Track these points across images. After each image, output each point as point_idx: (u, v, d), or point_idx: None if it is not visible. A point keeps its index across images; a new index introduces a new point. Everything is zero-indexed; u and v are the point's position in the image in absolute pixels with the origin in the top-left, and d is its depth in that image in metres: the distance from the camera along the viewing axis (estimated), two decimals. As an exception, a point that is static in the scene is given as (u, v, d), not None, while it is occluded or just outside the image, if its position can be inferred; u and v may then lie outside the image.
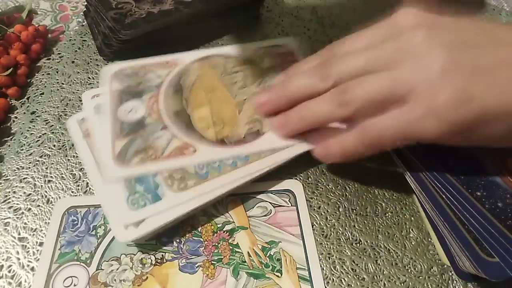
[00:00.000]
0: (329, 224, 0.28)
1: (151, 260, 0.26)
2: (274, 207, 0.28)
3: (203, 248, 0.27)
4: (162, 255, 0.26)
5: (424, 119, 0.22)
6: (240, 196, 0.29)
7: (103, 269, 0.26)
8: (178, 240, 0.27)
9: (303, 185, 0.30)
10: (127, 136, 0.29)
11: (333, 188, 0.30)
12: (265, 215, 0.28)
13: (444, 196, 0.25)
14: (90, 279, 0.25)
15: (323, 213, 0.29)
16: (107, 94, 0.32)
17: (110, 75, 0.33)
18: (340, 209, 0.29)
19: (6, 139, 0.33)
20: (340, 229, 0.28)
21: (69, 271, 0.26)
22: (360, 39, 0.27)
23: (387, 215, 0.29)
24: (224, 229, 0.27)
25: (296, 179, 0.30)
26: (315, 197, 0.29)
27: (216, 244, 0.27)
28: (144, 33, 0.36)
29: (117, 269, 0.26)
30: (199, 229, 0.27)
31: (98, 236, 0.27)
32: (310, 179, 0.30)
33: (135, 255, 0.26)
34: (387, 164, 0.31)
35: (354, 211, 0.29)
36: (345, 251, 0.27)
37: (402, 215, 0.29)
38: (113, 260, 0.26)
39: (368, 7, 0.44)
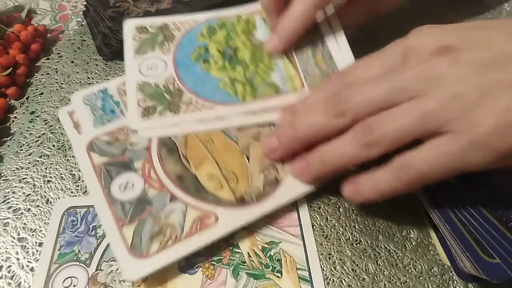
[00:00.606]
0: (329, 225, 0.28)
1: None
2: None
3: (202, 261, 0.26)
4: None
5: (468, 151, 0.20)
6: None
7: (102, 270, 0.25)
8: None
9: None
10: (134, 219, 0.25)
11: (334, 189, 0.30)
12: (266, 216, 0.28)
13: (444, 197, 0.25)
14: (89, 279, 0.25)
15: (323, 213, 0.28)
16: (89, 171, 0.27)
17: (85, 146, 0.28)
18: (341, 210, 0.29)
19: (5, 139, 0.33)
20: (341, 229, 0.28)
21: (69, 271, 0.25)
22: (374, 65, 0.24)
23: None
24: None
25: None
26: (315, 197, 0.29)
27: (216, 244, 0.27)
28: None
29: (117, 269, 0.25)
30: None
31: (98, 237, 0.27)
32: (310, 179, 0.30)
33: None
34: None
35: (355, 211, 0.29)
36: (345, 251, 0.27)
37: (403, 216, 0.29)
38: (113, 260, 0.26)
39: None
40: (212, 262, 0.26)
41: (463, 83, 0.20)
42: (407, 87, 0.22)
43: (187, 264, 0.26)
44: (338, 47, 0.31)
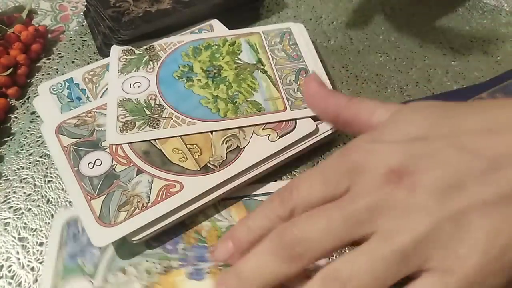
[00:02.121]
0: (329, 224, 0.28)
1: (157, 269, 0.25)
2: None
3: (209, 254, 0.26)
4: (168, 263, 0.26)
5: None
6: (242, 199, 0.29)
7: (109, 282, 0.25)
8: (183, 247, 0.26)
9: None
10: (102, 193, 0.27)
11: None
12: None
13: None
14: None
15: (323, 213, 0.29)
16: (59, 152, 0.29)
17: (54, 130, 0.30)
18: (340, 209, 0.29)
19: (6, 139, 0.33)
20: (340, 229, 0.28)
21: (74, 285, 0.25)
22: (316, 183, 0.20)
23: (387, 215, 0.29)
24: None
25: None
26: (315, 197, 0.29)
27: None
28: (144, 33, 0.36)
29: (124, 280, 0.25)
30: (204, 234, 0.27)
31: (101, 248, 0.26)
32: (310, 179, 0.30)
33: (140, 264, 0.26)
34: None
35: (354, 211, 0.29)
36: (345, 250, 0.27)
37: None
38: (119, 271, 0.25)
39: (366, 7, 0.44)
40: (220, 267, 0.25)
41: (431, 215, 0.17)
42: (365, 220, 0.18)
43: (195, 271, 0.25)
44: (320, 75, 0.33)
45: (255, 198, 0.29)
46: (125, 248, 0.26)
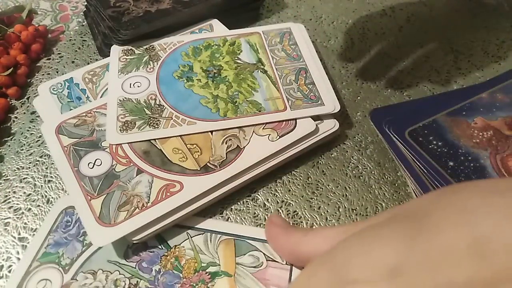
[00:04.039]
0: (329, 225, 0.28)
1: (125, 284, 0.25)
2: (267, 260, 0.26)
3: (179, 285, 0.25)
4: (137, 281, 0.25)
5: None
6: (235, 238, 0.27)
7: (77, 280, 0.25)
8: (157, 269, 0.25)
9: (303, 185, 0.30)
10: (102, 193, 0.27)
11: (333, 188, 0.30)
12: (254, 267, 0.25)
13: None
14: (62, 287, 0.25)
15: (323, 213, 0.29)
16: (59, 151, 0.29)
17: (54, 130, 0.30)
18: (340, 209, 0.29)
19: (6, 139, 0.33)
20: (340, 229, 0.28)
21: (47, 273, 0.25)
22: None
23: (387, 215, 0.29)
24: (207, 270, 0.25)
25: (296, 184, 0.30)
26: (315, 198, 0.29)
27: (194, 284, 0.25)
28: (144, 33, 0.36)
29: (90, 283, 0.25)
30: (182, 263, 0.26)
31: (84, 244, 0.26)
32: (310, 180, 0.30)
33: (111, 273, 0.25)
34: (389, 167, 0.31)
35: (354, 211, 0.29)
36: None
37: (402, 216, 0.29)
38: (89, 273, 0.25)
39: (365, 8, 0.44)
40: None
41: None
42: None
43: None
44: (320, 75, 0.34)
45: (247, 241, 0.27)
46: (105, 251, 0.26)
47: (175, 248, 0.26)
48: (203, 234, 0.27)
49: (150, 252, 0.26)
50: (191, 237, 0.27)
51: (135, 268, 0.26)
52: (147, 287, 0.25)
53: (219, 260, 0.26)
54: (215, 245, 0.27)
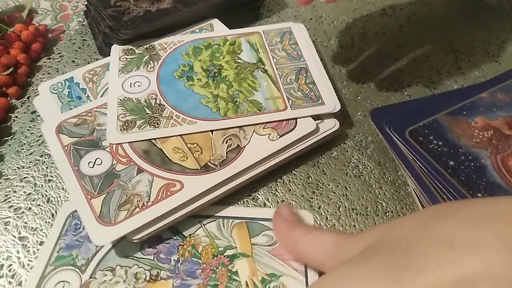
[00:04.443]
0: (329, 224, 0.28)
1: (146, 276, 0.25)
2: None
3: (200, 270, 0.25)
4: (158, 272, 0.25)
5: None
6: (246, 221, 0.27)
7: (96, 278, 0.25)
8: (176, 259, 0.26)
9: (303, 184, 0.30)
10: (103, 192, 0.27)
11: (334, 188, 0.30)
12: (269, 245, 0.26)
13: (445, 197, 0.25)
14: (81, 286, 0.25)
15: (323, 213, 0.29)
16: (59, 151, 0.29)
17: (54, 130, 0.30)
18: (341, 209, 0.29)
19: (6, 138, 0.33)
20: (341, 229, 0.28)
21: (63, 275, 0.25)
22: None
23: (387, 214, 0.29)
24: (225, 254, 0.26)
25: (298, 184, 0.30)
26: (315, 197, 0.29)
27: (215, 268, 0.25)
28: (145, 33, 0.36)
29: (110, 280, 0.25)
30: (200, 250, 0.26)
31: None
32: (310, 179, 0.30)
33: (130, 268, 0.25)
34: (390, 167, 0.31)
35: (355, 211, 0.29)
36: None
37: (403, 215, 0.29)
38: (108, 270, 0.25)
39: (366, 7, 0.44)
40: (208, 286, 0.25)
41: None
42: None
43: (182, 285, 0.25)
44: (320, 75, 0.34)
45: (259, 222, 0.27)
46: (120, 247, 0.26)
47: (190, 237, 0.27)
48: (215, 221, 0.27)
49: (166, 243, 0.26)
50: (204, 225, 0.27)
51: (153, 260, 0.26)
52: (168, 276, 0.25)
53: (235, 243, 0.26)
54: (229, 229, 0.27)
